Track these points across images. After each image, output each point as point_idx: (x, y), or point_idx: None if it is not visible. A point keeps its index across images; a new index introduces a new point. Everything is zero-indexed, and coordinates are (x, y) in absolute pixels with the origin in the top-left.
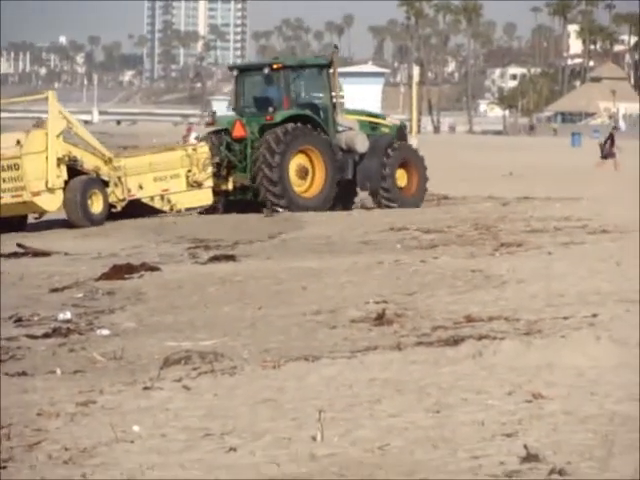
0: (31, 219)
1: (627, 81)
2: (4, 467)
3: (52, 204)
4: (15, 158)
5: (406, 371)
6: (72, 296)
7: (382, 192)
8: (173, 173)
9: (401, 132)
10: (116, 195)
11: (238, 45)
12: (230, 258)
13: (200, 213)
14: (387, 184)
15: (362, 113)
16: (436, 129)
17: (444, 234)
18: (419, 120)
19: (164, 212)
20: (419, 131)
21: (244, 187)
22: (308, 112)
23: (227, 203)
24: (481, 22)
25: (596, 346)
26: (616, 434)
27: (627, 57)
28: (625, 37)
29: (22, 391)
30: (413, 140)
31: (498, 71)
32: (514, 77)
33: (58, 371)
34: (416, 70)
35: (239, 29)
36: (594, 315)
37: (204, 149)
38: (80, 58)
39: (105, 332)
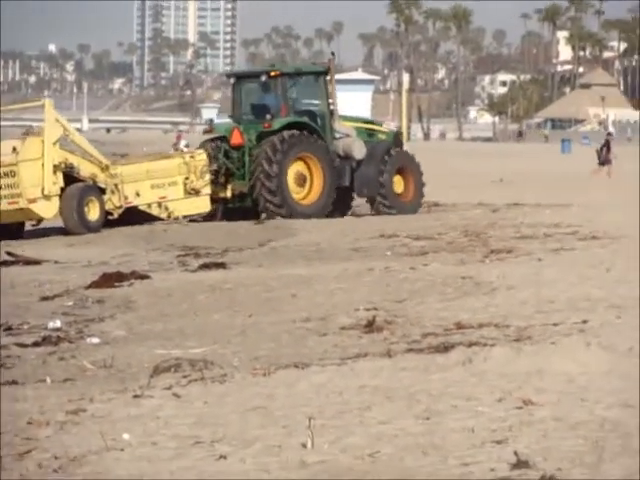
0: (28, 226)
1: (617, 87)
2: None
3: (48, 211)
4: (11, 165)
5: (396, 378)
6: (62, 304)
7: (380, 199)
8: (170, 180)
9: (397, 139)
10: (113, 202)
11: (228, 53)
12: (220, 266)
13: (191, 221)
14: (385, 191)
15: (359, 120)
16: (426, 136)
17: (434, 241)
18: (409, 127)
19: (161, 219)
20: (409, 138)
21: (243, 194)
22: (306, 119)
23: (226, 210)
24: (471, 29)
25: (586, 352)
26: (606, 440)
27: (616, 63)
28: (614, 43)
29: (12, 400)
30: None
31: (488, 78)
32: (504, 84)
33: (48, 380)
34: (406, 77)
35: (229, 36)
36: (584, 321)
37: (202, 156)
38: (70, 66)
39: (95, 340)
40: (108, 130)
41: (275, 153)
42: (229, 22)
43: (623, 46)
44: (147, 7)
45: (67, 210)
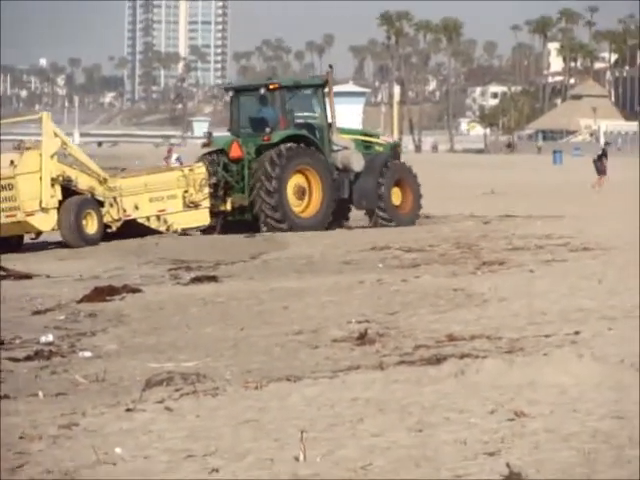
0: (27, 239)
1: (608, 98)
2: None
3: (46, 224)
4: (9, 178)
5: (388, 390)
6: (54, 318)
7: (378, 211)
8: (170, 194)
9: (395, 150)
10: (111, 215)
11: (219, 66)
12: (212, 279)
13: (182, 234)
14: (383, 203)
15: (356, 132)
16: (417, 148)
17: (426, 253)
18: (400, 139)
19: (160, 232)
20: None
21: (242, 208)
22: (305, 132)
23: (226, 223)
24: (461, 41)
25: (578, 364)
26: (598, 452)
27: (608, 74)
28: (605, 54)
29: (4, 414)
30: None
31: (479, 89)
32: (495, 95)
33: (40, 394)
34: (397, 89)
35: (220, 50)
36: (576, 333)
37: (201, 170)
38: (61, 80)
39: (87, 354)
40: (99, 144)
41: (274, 166)
42: (220, 35)
43: (614, 57)
44: (138, 21)
45: (65, 223)
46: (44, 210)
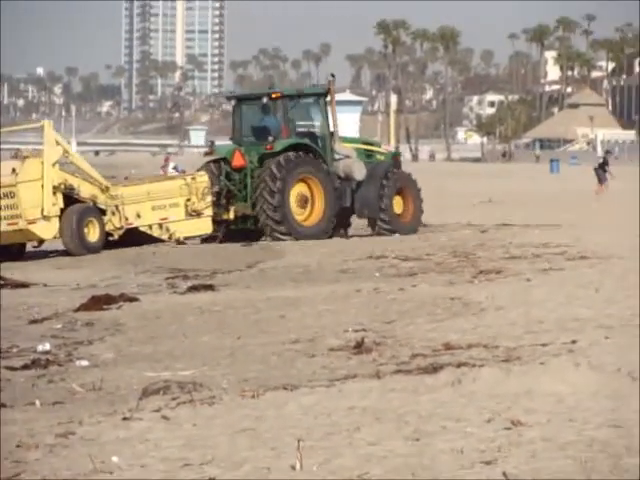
0: (30, 248)
1: (605, 107)
2: None
3: (48, 232)
4: (11, 186)
5: (385, 399)
6: (51, 327)
7: (380, 220)
8: (172, 202)
9: (396, 159)
10: (113, 223)
11: (216, 75)
12: (209, 288)
13: (179, 243)
14: (385, 212)
15: (358, 141)
16: (414, 157)
17: (423, 262)
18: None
19: (163, 241)
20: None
21: (245, 216)
22: (307, 141)
23: (228, 232)
24: (458, 49)
25: (575, 373)
26: (595, 460)
27: (605, 83)
28: (602, 63)
29: (1, 423)
30: None
31: (476, 98)
32: (492, 104)
33: (37, 402)
34: (394, 98)
35: (216, 59)
36: (573, 341)
37: (203, 178)
38: (58, 89)
39: (84, 363)
40: (97, 153)
41: (277, 175)
42: (217, 44)
43: (611, 66)
44: (135, 29)
45: (67, 231)
46: (46, 218)
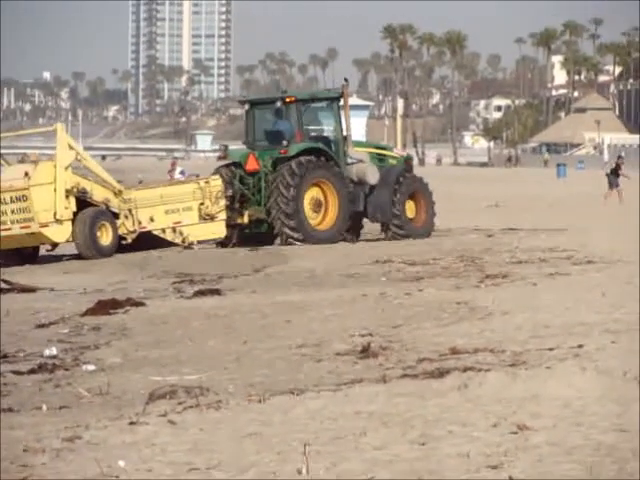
0: (43, 251)
1: (612, 111)
2: None
3: (60, 235)
4: (23, 189)
5: (391, 404)
6: (58, 332)
7: (393, 224)
8: (185, 206)
9: (408, 163)
10: (126, 227)
11: (222, 79)
12: (215, 292)
13: (186, 248)
14: (398, 216)
15: (370, 145)
16: (421, 161)
17: (429, 266)
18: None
19: (176, 244)
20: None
21: (259, 220)
22: (321, 145)
23: (242, 236)
24: (465, 54)
25: (582, 377)
26: (601, 465)
27: (612, 87)
28: (609, 67)
29: (8, 427)
30: None
31: (483, 102)
32: (499, 108)
33: (44, 407)
34: (400, 102)
35: (223, 63)
36: (579, 346)
37: (217, 182)
38: (64, 94)
39: (91, 367)
40: (103, 157)
41: (292, 178)
42: (223, 48)
43: (618, 70)
44: (141, 34)
45: (79, 234)
46: (58, 221)
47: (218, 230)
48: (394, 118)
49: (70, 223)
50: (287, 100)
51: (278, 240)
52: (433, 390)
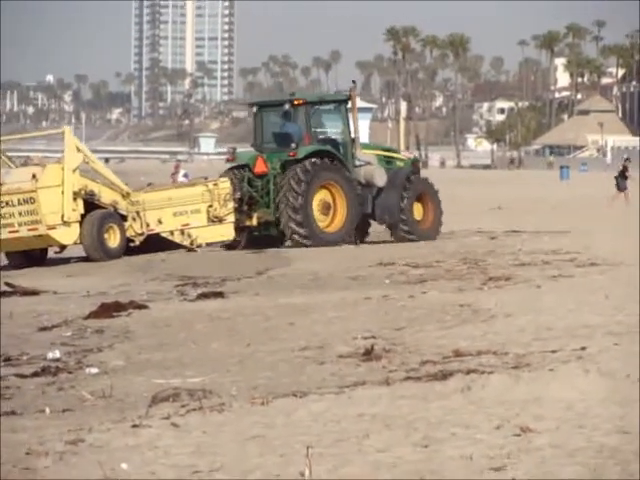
0: (51, 253)
1: (615, 113)
2: None
3: (68, 238)
4: (31, 192)
5: (394, 406)
6: (61, 335)
7: (402, 226)
8: (193, 208)
9: (415, 165)
10: (134, 229)
11: (225, 82)
12: (218, 295)
13: (189, 250)
14: (406, 218)
15: (377, 147)
16: (424, 164)
17: (432, 269)
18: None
19: (184, 247)
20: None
21: (268, 222)
22: (329, 147)
23: (251, 238)
24: (468, 56)
25: (584, 379)
26: (604, 467)
27: (615, 89)
28: (613, 69)
29: (11, 430)
30: None
31: (486, 105)
32: (502, 111)
33: (47, 410)
34: (403, 105)
35: (226, 66)
36: (582, 348)
37: (225, 184)
38: (68, 96)
39: (94, 370)
40: (106, 160)
41: (301, 181)
42: (226, 51)
43: (621, 72)
44: (144, 37)
45: (87, 237)
46: (66, 224)
47: (226, 232)
48: (397, 121)
49: (78, 225)
50: (295, 103)
51: (288, 242)
52: (436, 392)
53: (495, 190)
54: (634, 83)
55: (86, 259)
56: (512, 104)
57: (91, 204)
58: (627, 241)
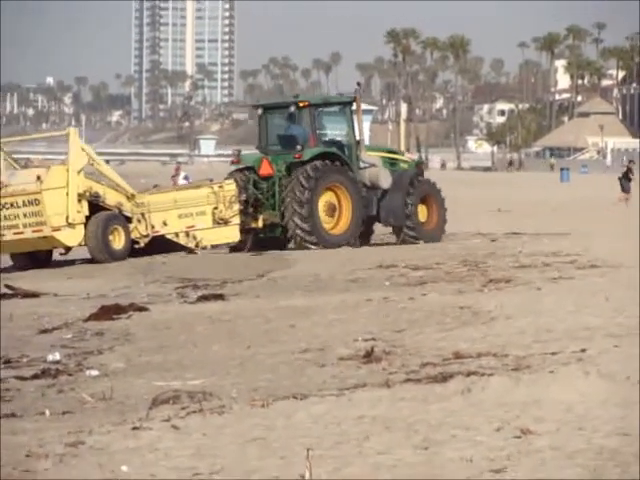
0: (57, 255)
1: (615, 115)
2: None
3: (73, 239)
4: (35, 193)
5: (395, 408)
6: (61, 337)
7: (407, 228)
8: (199, 210)
9: (419, 167)
10: (139, 231)
11: (226, 84)
12: (219, 297)
13: (189, 252)
14: (411, 220)
15: (382, 149)
16: (424, 166)
17: (433, 271)
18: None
19: (190, 249)
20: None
21: (273, 224)
22: (335, 149)
23: (256, 240)
24: (468, 58)
25: (584, 381)
26: (604, 469)
27: (615, 91)
28: (613, 71)
29: (11, 432)
30: None
31: (486, 107)
32: (502, 113)
33: (47, 412)
34: (404, 107)
35: (227, 68)
36: (582, 350)
37: (231, 186)
38: (67, 99)
39: (94, 373)
40: (107, 162)
41: (308, 183)
42: (227, 53)
43: (621, 74)
44: (145, 39)
45: (91, 238)
46: (71, 225)
47: (232, 234)
48: (397, 123)
49: (82, 227)
50: (300, 105)
51: (291, 244)
52: (436, 394)
53: (495, 192)
54: (634, 85)
55: (91, 261)
56: (512, 106)
57: (96, 206)
58: (628, 243)
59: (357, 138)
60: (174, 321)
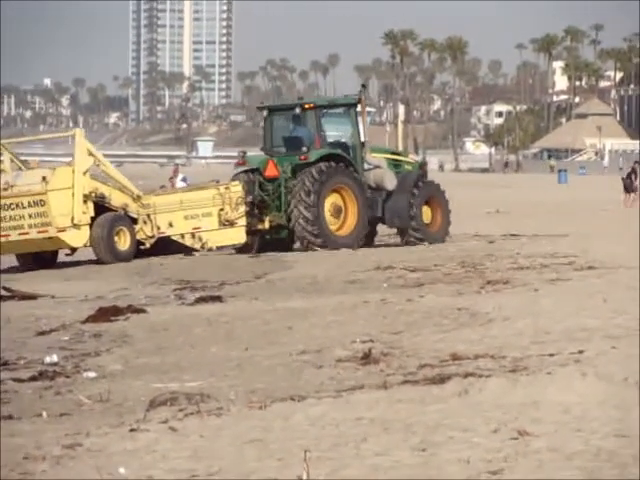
0: (62, 256)
1: (613, 117)
2: None
3: (78, 240)
4: (41, 194)
5: (392, 410)
6: (59, 339)
7: (411, 230)
8: (205, 211)
9: (423, 169)
10: (145, 232)
11: (223, 86)
12: (216, 299)
13: (187, 254)
14: (416, 221)
15: (386, 151)
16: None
17: (430, 272)
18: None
19: (195, 250)
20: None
21: (279, 226)
22: (340, 151)
23: (263, 242)
24: (466, 60)
25: (582, 383)
26: (602, 470)
27: (613, 93)
28: (610, 73)
29: (8, 434)
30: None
31: (484, 108)
32: (500, 114)
33: (44, 414)
34: (401, 109)
35: (224, 69)
36: (580, 352)
37: (237, 188)
38: (65, 100)
39: (91, 374)
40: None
41: (313, 184)
42: (224, 55)
43: (619, 75)
44: (142, 41)
45: (97, 239)
46: (76, 226)
47: (237, 236)
48: (395, 124)
49: (88, 228)
50: (306, 107)
51: (297, 245)
52: (434, 396)
53: (493, 193)
54: (632, 86)
55: (96, 262)
56: (510, 107)
57: (101, 207)
58: (626, 244)
59: (362, 140)
60: (172, 323)
